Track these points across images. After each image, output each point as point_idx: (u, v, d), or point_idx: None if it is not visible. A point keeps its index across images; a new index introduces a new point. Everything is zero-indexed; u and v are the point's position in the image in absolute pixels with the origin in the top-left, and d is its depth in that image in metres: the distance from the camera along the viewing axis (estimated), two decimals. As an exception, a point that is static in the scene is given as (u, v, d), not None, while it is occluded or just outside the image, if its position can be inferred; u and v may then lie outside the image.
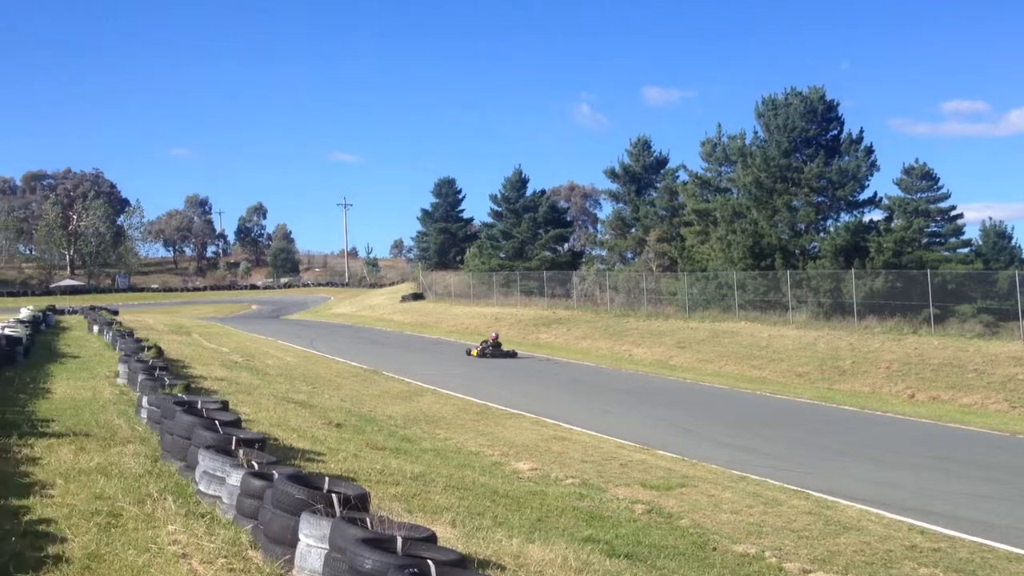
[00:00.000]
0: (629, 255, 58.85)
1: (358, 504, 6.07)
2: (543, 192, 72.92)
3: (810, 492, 12.55)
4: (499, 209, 72.40)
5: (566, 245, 74.05)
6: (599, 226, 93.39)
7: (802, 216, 42.51)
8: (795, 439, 17.91)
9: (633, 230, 58.00)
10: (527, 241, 67.91)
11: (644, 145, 60.22)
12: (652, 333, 37.67)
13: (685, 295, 41.66)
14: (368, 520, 5.62)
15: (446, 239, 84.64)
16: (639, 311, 43.06)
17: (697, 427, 18.99)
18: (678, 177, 55.92)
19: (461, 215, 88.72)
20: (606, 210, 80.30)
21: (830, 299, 36.12)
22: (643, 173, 59.93)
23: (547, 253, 66.75)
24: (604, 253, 63.69)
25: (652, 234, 52.88)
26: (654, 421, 19.70)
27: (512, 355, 33.72)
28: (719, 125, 49.83)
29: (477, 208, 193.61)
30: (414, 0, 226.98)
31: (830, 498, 12.23)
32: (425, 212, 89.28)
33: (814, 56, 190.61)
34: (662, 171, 59.37)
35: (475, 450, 15.07)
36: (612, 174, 61.18)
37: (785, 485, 12.99)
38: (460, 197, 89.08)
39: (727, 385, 26.63)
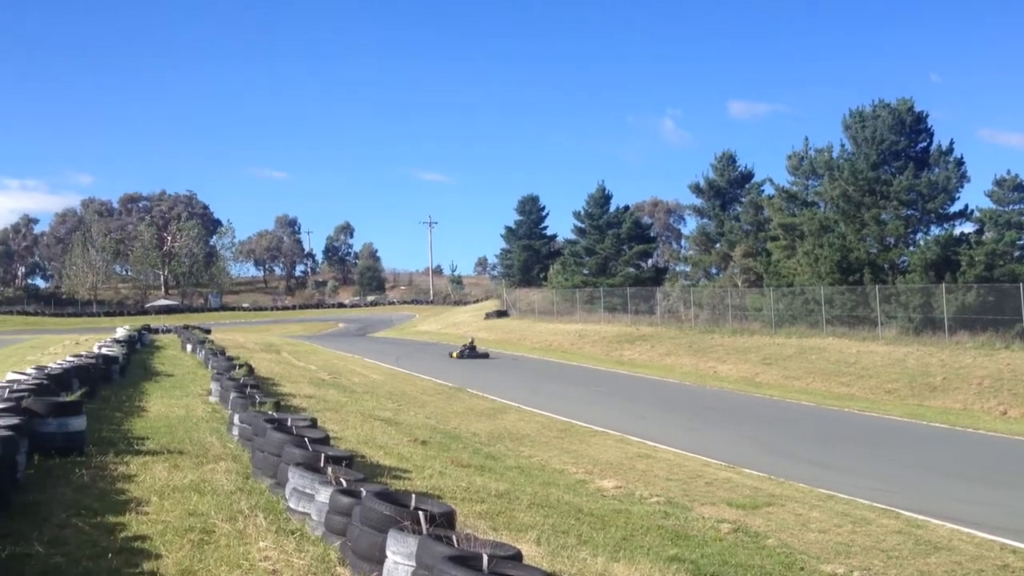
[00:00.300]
0: (714, 270, 58.35)
1: (444, 521, 6.13)
2: (626, 208, 72.77)
3: (900, 511, 12.26)
4: (582, 225, 72.42)
5: (650, 261, 73.71)
6: (683, 242, 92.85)
7: (891, 229, 41.60)
8: (884, 457, 17.51)
9: (718, 245, 57.53)
10: (610, 257, 67.75)
11: (729, 159, 59.72)
12: (737, 349, 37.20)
13: (771, 311, 41.08)
14: (454, 537, 5.68)
15: (529, 256, 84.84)
16: (724, 327, 42.57)
17: (784, 445, 18.70)
18: (763, 191, 55.45)
19: (544, 232, 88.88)
20: (690, 225, 79.70)
21: (920, 314, 35.24)
22: (728, 188, 59.44)
23: (631, 269, 66.48)
24: (688, 269, 63.30)
25: (737, 249, 52.38)
26: (740, 439, 19.44)
27: (485, 355, 41.99)
28: (806, 139, 49.31)
29: (560, 225, 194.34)
30: (497, 21, 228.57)
31: (920, 517, 11.95)
32: (509, 229, 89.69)
33: (901, 68, 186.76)
34: (747, 185, 58.86)
35: (559, 468, 15.07)
36: (696, 189, 60.82)
37: (874, 504, 12.72)
38: (544, 214, 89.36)
39: (814, 402, 26.17)
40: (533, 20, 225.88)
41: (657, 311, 50.80)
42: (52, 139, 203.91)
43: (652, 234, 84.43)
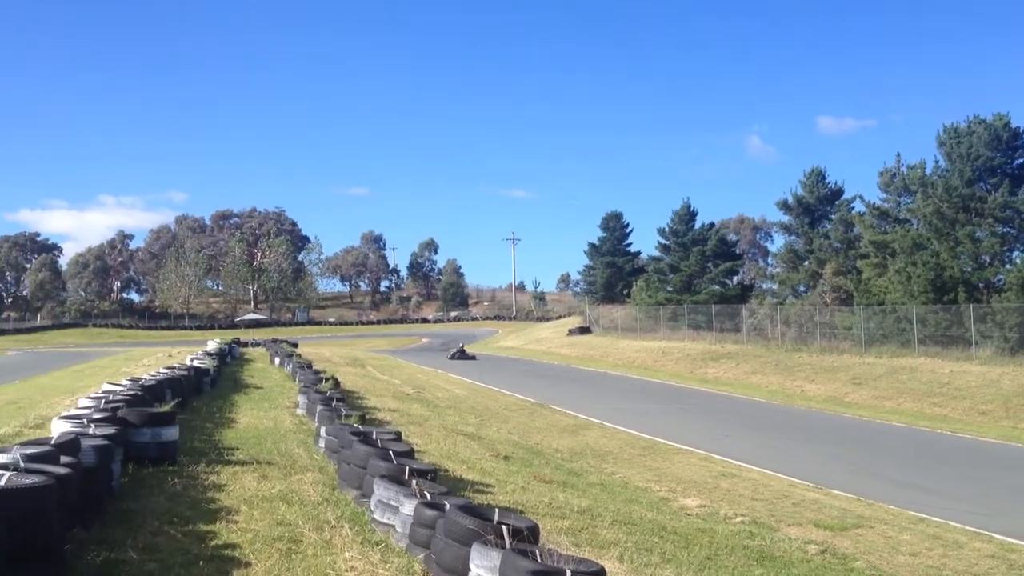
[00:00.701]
0: (802, 288, 57.37)
1: (528, 536, 6.13)
2: (712, 225, 72.03)
3: (993, 535, 11.90)
4: (667, 242, 71.91)
5: (735, 279, 72.77)
6: (770, 259, 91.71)
7: (986, 247, 40.43)
8: (977, 479, 17.00)
9: (806, 263, 56.60)
10: (695, 275, 67.12)
11: (818, 176, 58.74)
12: (825, 369, 36.51)
13: (861, 329, 40.21)
14: (537, 552, 5.68)
15: (613, 273, 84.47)
16: (812, 346, 41.80)
17: (873, 466, 18.28)
18: (853, 208, 54.44)
19: (628, 249, 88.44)
20: (778, 243, 78.80)
21: (1016, 334, 34.13)
22: (817, 204, 58.44)
23: (715, 287, 65.76)
24: (775, 287, 62.34)
25: (826, 267, 51.46)
26: (827, 459, 19.06)
27: (472, 357, 52.08)
28: (898, 155, 48.27)
29: (644, 242, 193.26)
30: (581, 36, 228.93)
31: (1014, 541, 11.59)
32: (592, 246, 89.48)
33: (997, 82, 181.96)
34: (837, 202, 57.82)
35: (642, 485, 14.97)
36: (784, 206, 59.96)
37: (966, 527, 12.37)
38: (627, 231, 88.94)
39: (905, 423, 25.52)
40: (617, 35, 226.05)
41: (743, 329, 50.09)
42: (148, 158, 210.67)
43: (738, 251, 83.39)
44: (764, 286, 67.99)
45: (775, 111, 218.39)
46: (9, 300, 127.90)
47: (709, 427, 24.03)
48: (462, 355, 52.08)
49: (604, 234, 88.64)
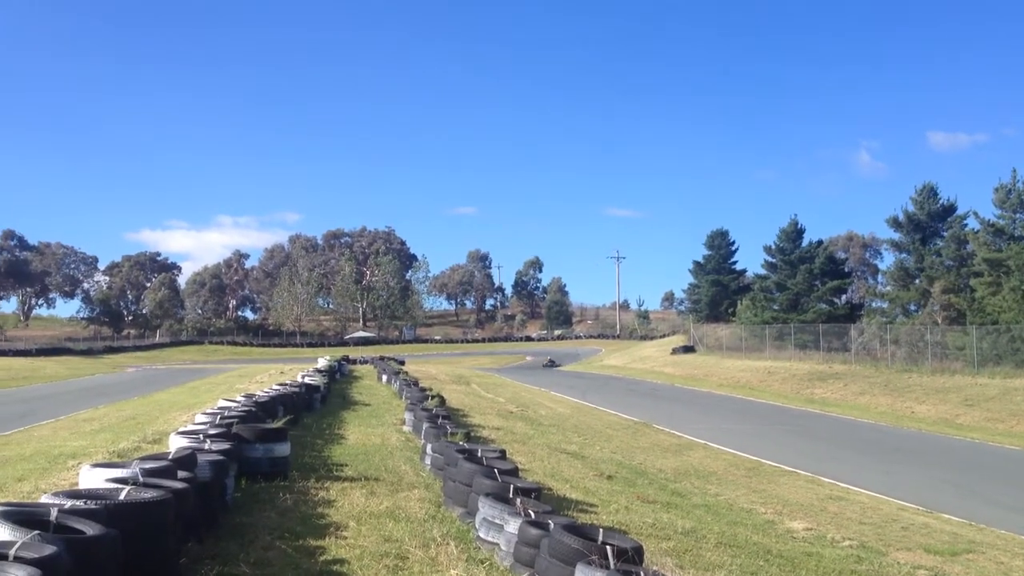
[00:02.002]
0: (912, 307, 55.75)
1: (632, 557, 6.12)
2: (819, 242, 70.59)
3: (1115, 564, 11.38)
4: (773, 260, 70.75)
5: (844, 297, 71.13)
6: (880, 277, 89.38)
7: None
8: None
9: (917, 281, 55.03)
10: (802, 293, 65.82)
11: (930, 192, 57.11)
12: (936, 390, 35.39)
13: (974, 349, 38.84)
14: (642, 573, 5.68)
15: (718, 291, 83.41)
16: (922, 366, 40.57)
17: (985, 490, 17.65)
18: (966, 225, 52.73)
19: (734, 267, 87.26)
20: (887, 260, 76.74)
21: None
22: (928, 221, 56.79)
23: (823, 305, 64.35)
24: (885, 305, 60.73)
25: (937, 285, 49.97)
26: (938, 483, 18.48)
27: (558, 365, 62.29)
28: (1014, 170, 46.39)
29: (750, 259, 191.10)
30: (686, 53, 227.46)
31: None
32: (697, 264, 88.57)
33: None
34: (949, 219, 56.08)
35: (747, 507, 14.74)
36: (895, 223, 58.43)
37: (1086, 556, 11.85)
38: (733, 248, 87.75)
39: (1018, 446, 24.58)
40: (723, 52, 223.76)
41: (851, 348, 48.90)
42: (263, 180, 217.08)
43: (846, 269, 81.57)
44: (873, 305, 66.16)
45: (885, 127, 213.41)
46: (130, 318, 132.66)
47: (816, 448, 23.53)
48: (552, 364, 69.34)
49: (709, 252, 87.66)
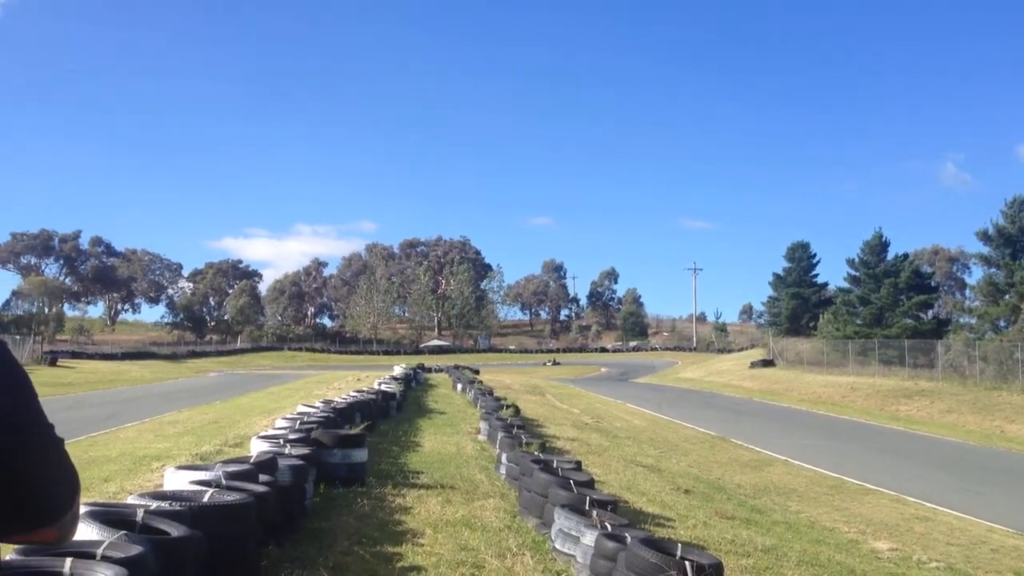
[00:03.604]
0: (1002, 323, 54.16)
1: (711, 573, 6.02)
2: (905, 256, 69.06)
3: None
4: (856, 274, 69.42)
5: (930, 312, 69.44)
6: (968, 292, 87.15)
7: None
8: None
9: (1007, 296, 53.44)
10: (886, 307, 64.42)
11: (1021, 204, 55.49)
12: (1029, 409, 34.33)
13: (1068, 368, 37.61)
14: (721, 591, 5.58)
15: (798, 304, 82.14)
16: (1013, 384, 39.34)
17: (1085, 515, 17.01)
18: (1060, 240, 51.10)
19: (815, 280, 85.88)
20: (976, 275, 74.67)
21: None
22: (1019, 235, 55.15)
23: (908, 320, 62.88)
24: (973, 321, 59.13)
25: (1029, 301, 48.49)
26: (1032, 506, 17.87)
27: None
28: (1109, 183, 44.92)
29: (832, 273, 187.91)
30: (767, 66, 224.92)
31: None
32: (777, 276, 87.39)
33: None
34: (1041, 232, 54.46)
35: (829, 526, 14.42)
36: (984, 236, 56.88)
37: None
38: (814, 261, 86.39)
39: (1121, 470, 23.67)
40: (807, 64, 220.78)
41: (937, 365, 47.66)
42: (341, 189, 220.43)
43: (933, 283, 79.66)
44: (961, 320, 64.48)
45: (973, 139, 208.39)
46: (212, 323, 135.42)
47: (900, 467, 22.95)
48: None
49: (789, 264, 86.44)
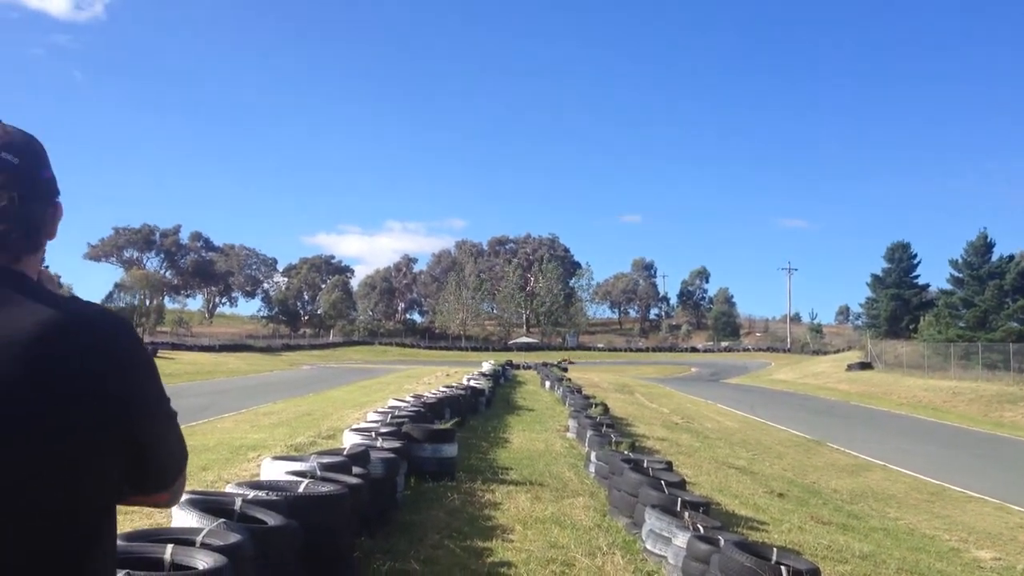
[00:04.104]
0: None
1: (808, 579, 5.86)
2: (1010, 257, 66.68)
3: None
4: (960, 275, 67.38)
5: (1038, 315, 67.09)
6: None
7: None
8: None
9: (1121, 299, 51.36)
10: (990, 310, 62.33)
11: None
12: None
13: None
14: (819, 597, 5.42)
15: (898, 306, 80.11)
16: None
17: None
18: None
19: (915, 281, 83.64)
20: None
21: None
22: None
23: (1014, 324, 60.67)
24: (1084, 325, 56.96)
25: None
26: None
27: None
28: None
29: (933, 274, 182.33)
30: (868, 63, 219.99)
31: None
32: (875, 277, 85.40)
33: None
34: None
35: (929, 533, 13.99)
36: (1094, 237, 54.79)
37: None
38: (915, 262, 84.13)
39: None
40: (913, 61, 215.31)
41: (1045, 370, 45.94)
42: (431, 187, 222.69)
43: (1040, 286, 76.97)
44: (1072, 324, 62.09)
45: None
46: (305, 317, 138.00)
47: (1005, 474, 22.15)
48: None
49: (889, 265, 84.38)
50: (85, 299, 1.62)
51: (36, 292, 1.54)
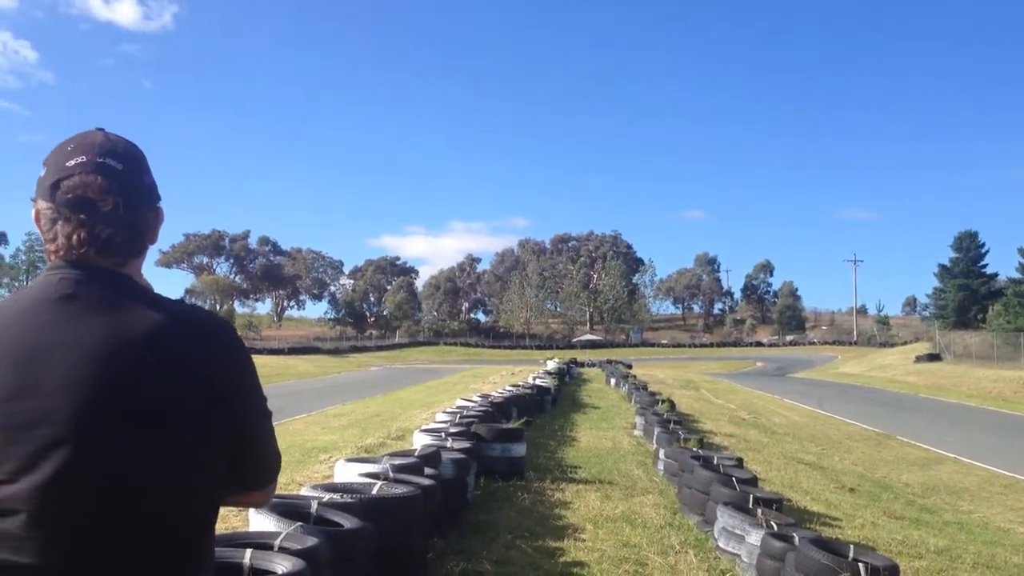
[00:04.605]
0: None
1: (886, 576, 5.82)
2: (1083, 244, 65.12)
3: None
4: (1029, 264, 65.92)
5: (1111, 304, 65.29)
6: None
7: None
8: None
9: None
10: (1062, 298, 60.91)
11: None
12: None
13: None
14: (896, 594, 5.39)
15: (966, 296, 78.51)
16: None
17: None
18: None
19: (983, 270, 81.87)
20: None
21: None
22: None
23: (1086, 311, 59.30)
24: None
25: None
26: None
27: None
28: None
29: (1002, 263, 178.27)
30: (931, 43, 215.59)
31: None
32: (943, 267, 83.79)
33: None
34: None
35: (1004, 527, 13.72)
36: None
37: None
38: (983, 251, 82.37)
39: None
40: (972, 42, 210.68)
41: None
42: (494, 186, 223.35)
43: (1115, 272, 74.85)
44: None
45: None
46: (372, 319, 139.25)
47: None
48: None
49: (956, 255, 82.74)
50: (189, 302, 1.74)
51: (144, 295, 1.63)
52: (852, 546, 6.47)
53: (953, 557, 9.81)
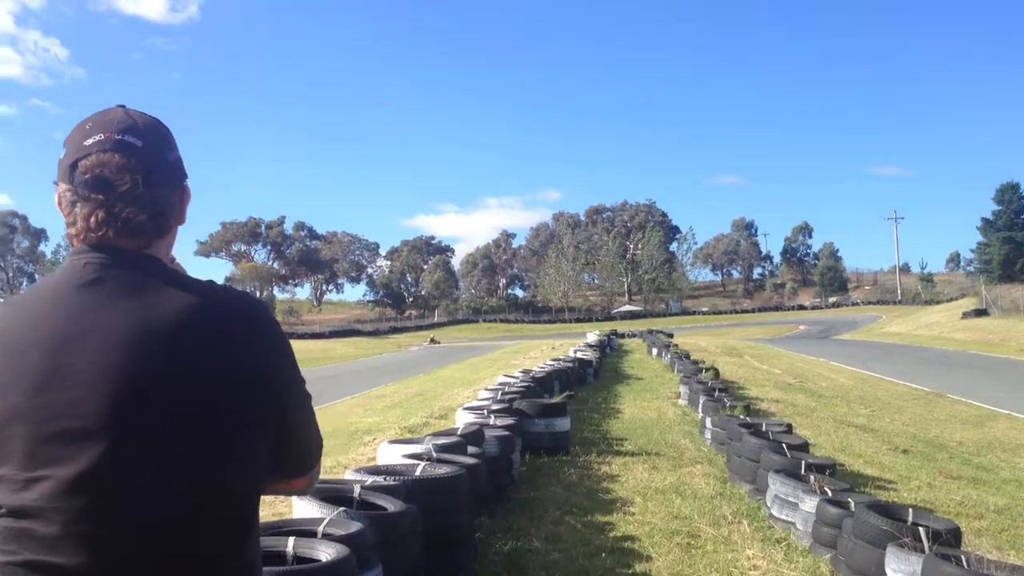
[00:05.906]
0: None
1: (949, 539, 5.60)
2: None
3: None
4: (1075, 213, 64.65)
5: None
6: None
7: None
8: None
9: None
10: (1111, 247, 59.72)
11: None
12: None
13: None
14: (962, 558, 5.18)
15: (1011, 249, 77.17)
16: None
17: None
18: None
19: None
20: None
21: None
22: None
23: None
24: None
25: None
26: None
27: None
28: None
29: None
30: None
31: None
32: (985, 221, 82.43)
33: None
34: None
35: (1064, 483, 13.40)
36: None
37: None
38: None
39: None
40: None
41: None
42: (525, 161, 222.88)
43: None
44: None
45: None
46: (410, 299, 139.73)
47: None
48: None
49: (999, 207, 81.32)
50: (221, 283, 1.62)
51: (172, 276, 1.54)
52: (910, 509, 6.27)
53: (1014, 515, 9.57)
